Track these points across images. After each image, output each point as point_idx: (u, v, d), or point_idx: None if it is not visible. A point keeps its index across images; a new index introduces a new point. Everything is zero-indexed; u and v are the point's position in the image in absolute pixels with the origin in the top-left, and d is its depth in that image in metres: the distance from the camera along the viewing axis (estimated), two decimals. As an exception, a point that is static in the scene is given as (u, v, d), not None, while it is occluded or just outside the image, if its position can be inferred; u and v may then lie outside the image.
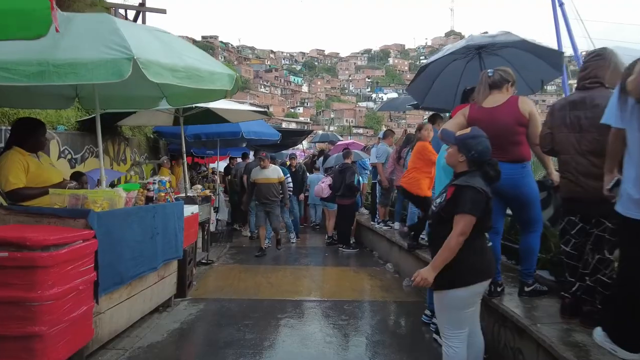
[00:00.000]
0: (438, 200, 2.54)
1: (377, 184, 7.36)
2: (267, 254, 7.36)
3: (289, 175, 8.40)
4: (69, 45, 2.67)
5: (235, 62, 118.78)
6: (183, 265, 4.82)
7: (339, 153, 9.68)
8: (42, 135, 3.66)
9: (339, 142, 12.31)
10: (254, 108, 7.30)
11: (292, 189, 8.49)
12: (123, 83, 4.69)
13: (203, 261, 6.64)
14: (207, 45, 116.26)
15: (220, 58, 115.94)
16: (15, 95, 4.19)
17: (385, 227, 7.22)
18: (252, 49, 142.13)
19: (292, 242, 8.57)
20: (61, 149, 5.50)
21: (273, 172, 7.36)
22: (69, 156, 5.66)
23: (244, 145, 10.83)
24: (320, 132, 14.58)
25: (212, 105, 6.53)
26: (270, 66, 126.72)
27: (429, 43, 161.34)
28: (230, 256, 7.43)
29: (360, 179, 8.60)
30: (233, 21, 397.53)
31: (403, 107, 9.04)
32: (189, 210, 5.09)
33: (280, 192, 7.39)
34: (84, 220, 2.87)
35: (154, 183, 3.98)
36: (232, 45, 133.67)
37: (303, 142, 14.35)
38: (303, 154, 15.38)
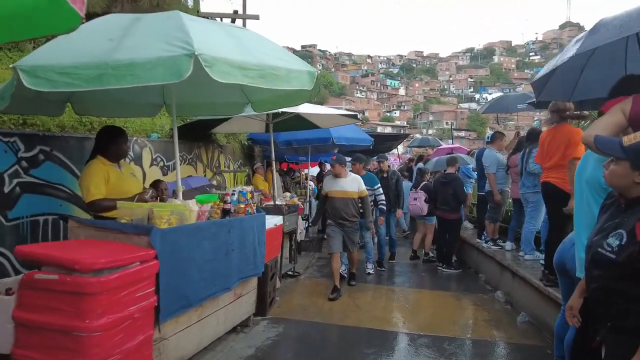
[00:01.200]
0: (612, 242, 1.68)
1: (486, 197, 6.34)
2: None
3: (379, 185, 6.41)
4: (131, 46, 2.41)
5: (333, 69, 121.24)
6: (264, 282, 4.47)
7: (440, 157, 8.72)
8: (123, 143, 3.56)
9: (441, 147, 11.26)
10: (345, 112, 6.81)
11: (384, 203, 6.41)
12: (206, 88, 4.60)
13: (289, 273, 6.31)
14: (306, 54, 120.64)
15: (318, 66, 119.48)
16: (110, 105, 4.23)
17: (494, 247, 6.18)
18: (349, 55, 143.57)
19: (370, 273, 6.52)
20: (154, 157, 5.57)
21: (352, 183, 5.55)
22: (161, 163, 5.73)
23: (336, 151, 10.44)
24: (419, 135, 13.54)
25: (301, 110, 6.20)
26: (366, 71, 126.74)
27: (540, 38, 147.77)
28: (317, 268, 7.01)
29: (465, 188, 7.60)
30: (331, 29, 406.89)
31: (513, 108, 7.78)
32: (273, 221, 4.75)
33: (361, 209, 5.69)
34: (146, 237, 2.59)
35: (232, 194, 3.66)
36: (329, 52, 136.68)
37: (398, 147, 13.53)
38: (398, 160, 14.49)
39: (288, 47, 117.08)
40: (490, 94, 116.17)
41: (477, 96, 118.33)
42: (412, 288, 6.03)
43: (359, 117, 6.96)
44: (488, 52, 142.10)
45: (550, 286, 4.07)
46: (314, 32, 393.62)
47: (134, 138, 5.19)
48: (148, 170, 5.45)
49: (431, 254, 7.48)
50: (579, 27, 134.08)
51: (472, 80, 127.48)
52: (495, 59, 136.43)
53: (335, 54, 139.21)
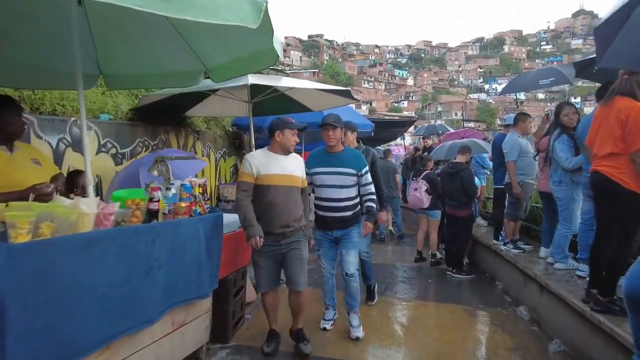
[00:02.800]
0: None
1: (506, 190, 5.28)
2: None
3: (367, 169, 3.73)
4: None
5: (340, 59, 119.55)
6: (224, 300, 3.50)
7: (453, 141, 7.62)
8: (12, 116, 2.60)
9: (451, 132, 10.16)
10: (337, 88, 5.77)
11: (374, 199, 3.73)
12: (148, 52, 3.59)
13: (270, 281, 5.33)
14: (313, 44, 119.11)
15: (325, 56, 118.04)
16: (20, 73, 3.26)
17: (515, 251, 5.14)
18: (357, 45, 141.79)
19: (355, 334, 3.77)
20: (102, 142, 4.59)
21: (296, 164, 3.40)
22: (112, 150, 4.75)
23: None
24: (426, 125, 12.40)
25: (282, 84, 5.23)
26: (374, 61, 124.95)
27: (552, 26, 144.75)
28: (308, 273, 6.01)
29: (478, 180, 6.54)
30: (338, 19, 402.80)
31: (534, 85, 6.61)
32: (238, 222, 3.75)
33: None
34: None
35: (162, 189, 2.66)
36: (337, 42, 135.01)
37: (404, 135, 12.45)
38: (404, 150, 13.39)
39: (294, 37, 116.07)
40: (499, 84, 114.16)
41: (486, 86, 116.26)
42: (416, 300, 5.01)
43: (353, 94, 5.91)
44: (498, 41, 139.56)
45: (600, 312, 3.04)
46: (320, 22, 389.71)
47: (72, 119, 4.21)
48: (94, 158, 4.48)
49: (439, 255, 6.46)
50: (592, 16, 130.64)
51: (481, 70, 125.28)
52: (506, 48, 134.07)
53: (342, 44, 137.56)
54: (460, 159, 5.86)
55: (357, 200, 3.77)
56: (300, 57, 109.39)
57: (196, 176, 3.48)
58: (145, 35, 3.15)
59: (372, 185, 3.78)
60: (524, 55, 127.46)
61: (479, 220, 7.37)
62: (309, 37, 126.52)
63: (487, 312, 4.55)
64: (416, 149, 9.42)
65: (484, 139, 7.90)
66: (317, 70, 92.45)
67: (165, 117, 5.78)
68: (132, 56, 3.50)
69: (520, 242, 5.26)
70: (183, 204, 2.83)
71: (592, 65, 4.62)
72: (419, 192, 6.21)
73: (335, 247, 3.83)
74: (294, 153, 3.42)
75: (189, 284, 2.78)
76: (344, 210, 3.67)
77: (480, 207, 7.78)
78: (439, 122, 14.46)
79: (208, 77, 3.73)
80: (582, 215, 4.09)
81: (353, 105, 8.85)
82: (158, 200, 2.58)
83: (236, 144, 8.20)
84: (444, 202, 6.09)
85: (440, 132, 9.24)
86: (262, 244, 3.10)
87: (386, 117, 15.62)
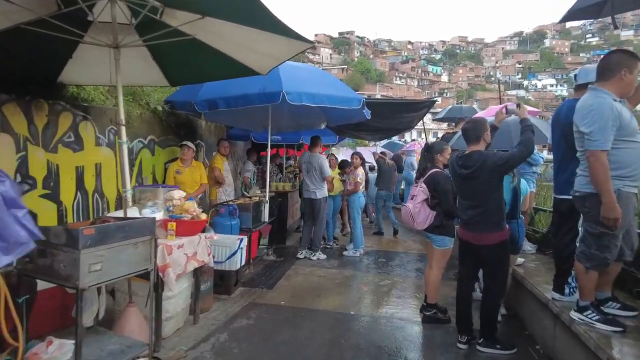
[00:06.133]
0: None
1: (580, 207, 2.76)
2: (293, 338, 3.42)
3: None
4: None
5: (371, 56, 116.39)
6: None
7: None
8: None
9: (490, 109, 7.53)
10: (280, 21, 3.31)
11: None
12: None
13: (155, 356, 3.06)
14: (344, 40, 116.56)
15: (356, 53, 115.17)
16: None
17: (601, 327, 2.60)
18: (389, 41, 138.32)
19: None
20: None
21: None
22: None
23: (323, 126, 7.03)
24: (450, 106, 9.67)
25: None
26: (407, 57, 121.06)
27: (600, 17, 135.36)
28: (224, 340, 3.68)
29: (525, 184, 4.00)
30: (370, 16, 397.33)
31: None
32: None
33: None
34: None
35: None
36: (368, 39, 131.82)
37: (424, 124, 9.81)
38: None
39: (325, 35, 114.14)
40: (539, 80, 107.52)
41: (525, 83, 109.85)
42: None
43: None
44: (538, 35, 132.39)
45: None
46: (352, 18, 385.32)
47: None
48: None
49: (438, 308, 3.98)
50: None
51: (520, 66, 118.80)
52: (547, 42, 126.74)
53: (374, 41, 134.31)
54: (475, 146, 3.32)
55: None
56: (331, 54, 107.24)
57: None
58: None
59: None
60: (567, 49, 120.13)
61: (526, 247, 4.81)
62: (340, 34, 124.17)
63: None
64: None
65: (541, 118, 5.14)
66: (346, 66, 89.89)
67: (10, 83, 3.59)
68: None
69: (613, 304, 2.73)
70: None
71: None
72: (414, 203, 3.76)
73: None
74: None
75: None
76: None
77: (526, 223, 5.19)
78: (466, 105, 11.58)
79: None
80: None
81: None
82: None
83: (175, 129, 5.96)
84: (459, 222, 3.57)
85: (466, 116, 6.64)
86: None
87: (393, 99, 12.95)
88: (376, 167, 9.05)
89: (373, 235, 8.53)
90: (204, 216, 3.67)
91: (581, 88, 3.14)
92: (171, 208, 3.60)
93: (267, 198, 5.73)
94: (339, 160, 8.20)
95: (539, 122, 4.69)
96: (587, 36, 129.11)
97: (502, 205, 3.27)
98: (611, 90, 2.56)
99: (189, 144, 5.51)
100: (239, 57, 3.80)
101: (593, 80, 3.08)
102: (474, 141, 3.30)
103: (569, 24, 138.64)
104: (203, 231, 3.74)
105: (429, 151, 4.11)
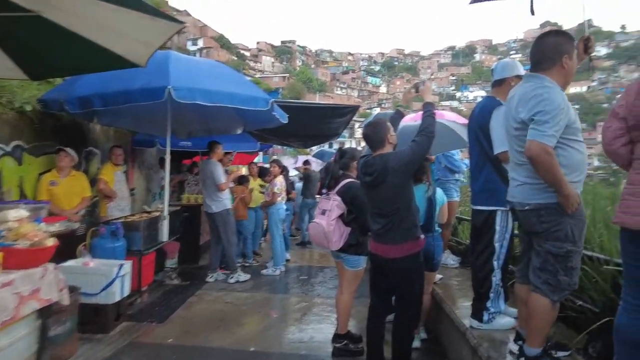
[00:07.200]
0: None
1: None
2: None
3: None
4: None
5: (313, 66, 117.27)
6: None
7: (405, 123, 4.43)
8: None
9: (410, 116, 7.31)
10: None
11: None
12: None
13: None
14: (285, 49, 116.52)
15: (298, 62, 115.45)
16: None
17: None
18: (330, 52, 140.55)
19: None
20: None
21: None
22: None
23: (240, 131, 6.34)
24: (377, 111, 9.37)
25: None
26: (347, 68, 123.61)
27: (521, 36, 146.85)
28: None
29: (441, 194, 3.60)
30: (312, 26, 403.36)
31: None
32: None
33: None
34: None
35: None
36: (309, 49, 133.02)
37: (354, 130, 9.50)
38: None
39: (266, 43, 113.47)
40: (471, 91, 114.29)
41: (458, 94, 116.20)
42: None
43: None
44: (470, 50, 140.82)
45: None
46: (294, 28, 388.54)
47: None
48: None
49: (351, 337, 3.47)
50: (557, 27, 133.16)
51: (453, 78, 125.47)
52: (477, 57, 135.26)
53: (315, 51, 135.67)
54: (382, 150, 2.84)
55: None
56: (273, 62, 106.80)
57: None
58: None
59: None
60: (494, 64, 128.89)
61: (448, 259, 4.45)
62: (282, 42, 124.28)
63: None
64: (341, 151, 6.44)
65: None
66: (287, 74, 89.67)
67: None
68: None
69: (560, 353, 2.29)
70: None
71: None
72: (328, 220, 3.22)
73: None
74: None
75: None
76: None
77: (448, 235, 4.85)
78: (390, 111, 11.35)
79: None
80: None
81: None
82: None
83: (55, 134, 5.02)
84: (370, 234, 3.07)
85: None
86: None
87: (316, 103, 12.60)
88: (302, 176, 8.60)
89: (298, 248, 8.02)
90: (51, 242, 2.87)
91: (498, 84, 2.78)
92: (4, 233, 2.77)
93: (165, 212, 4.96)
94: (261, 169, 7.59)
95: (461, 128, 4.37)
96: (511, 53, 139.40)
97: (414, 210, 2.80)
98: (554, 81, 2.15)
99: (68, 150, 4.63)
100: (104, 42, 3.06)
101: (509, 76, 2.74)
102: (378, 146, 2.82)
103: (495, 41, 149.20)
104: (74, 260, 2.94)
105: (344, 156, 3.57)
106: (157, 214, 5.23)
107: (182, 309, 4.50)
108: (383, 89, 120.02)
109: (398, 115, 3.24)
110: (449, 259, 4.63)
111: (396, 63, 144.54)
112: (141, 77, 3.84)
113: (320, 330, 3.99)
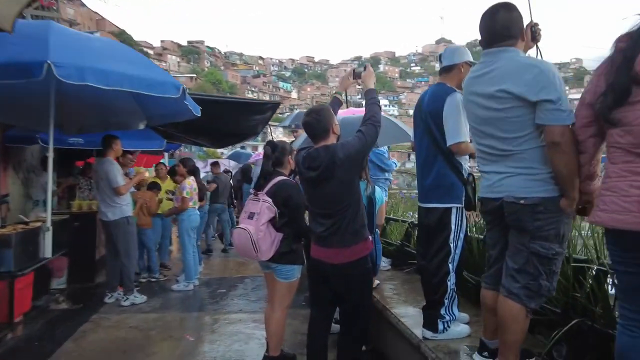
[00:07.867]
0: None
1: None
2: None
3: None
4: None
5: (222, 67, 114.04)
6: None
7: (343, 116, 3.97)
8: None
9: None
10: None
11: None
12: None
13: None
14: (193, 49, 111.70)
15: (206, 63, 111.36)
16: None
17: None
18: (240, 55, 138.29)
19: None
20: None
21: None
22: None
23: (142, 126, 5.47)
24: (296, 112, 8.96)
25: None
26: (258, 72, 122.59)
27: (420, 50, 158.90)
28: None
29: (380, 193, 3.32)
30: (221, 27, 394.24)
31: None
32: None
33: None
34: None
35: None
36: (219, 50, 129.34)
37: (272, 130, 9.05)
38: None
39: (172, 42, 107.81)
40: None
41: (364, 102, 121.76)
42: None
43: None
44: (374, 60, 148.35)
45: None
46: (202, 28, 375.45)
47: None
48: None
49: (284, 358, 3.04)
50: (450, 43, 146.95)
51: (360, 87, 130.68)
52: (381, 67, 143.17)
53: (225, 53, 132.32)
54: (325, 141, 2.45)
55: None
56: (179, 62, 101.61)
57: None
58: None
59: None
60: (397, 75, 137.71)
61: (383, 264, 4.20)
62: (189, 42, 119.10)
63: None
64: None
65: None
66: (195, 75, 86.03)
67: None
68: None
69: None
70: None
71: None
72: (257, 225, 2.72)
73: None
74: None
75: None
76: None
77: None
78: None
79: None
80: None
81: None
82: None
83: None
84: (312, 238, 2.64)
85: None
86: None
87: (233, 97, 12.01)
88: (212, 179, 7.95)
89: (209, 257, 7.35)
90: None
91: (447, 71, 2.55)
92: None
93: (48, 223, 4.01)
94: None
95: (396, 121, 4.16)
96: (412, 65, 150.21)
97: (363, 209, 2.45)
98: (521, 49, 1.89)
99: None
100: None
101: (459, 62, 2.51)
102: (322, 135, 2.41)
103: (397, 53, 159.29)
104: None
105: (275, 150, 3.07)
106: (38, 224, 4.26)
107: (71, 341, 3.64)
108: (294, 94, 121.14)
109: (337, 103, 2.88)
110: (384, 263, 4.39)
111: (306, 70, 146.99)
112: (10, 48, 2.98)
113: (248, 351, 3.45)
